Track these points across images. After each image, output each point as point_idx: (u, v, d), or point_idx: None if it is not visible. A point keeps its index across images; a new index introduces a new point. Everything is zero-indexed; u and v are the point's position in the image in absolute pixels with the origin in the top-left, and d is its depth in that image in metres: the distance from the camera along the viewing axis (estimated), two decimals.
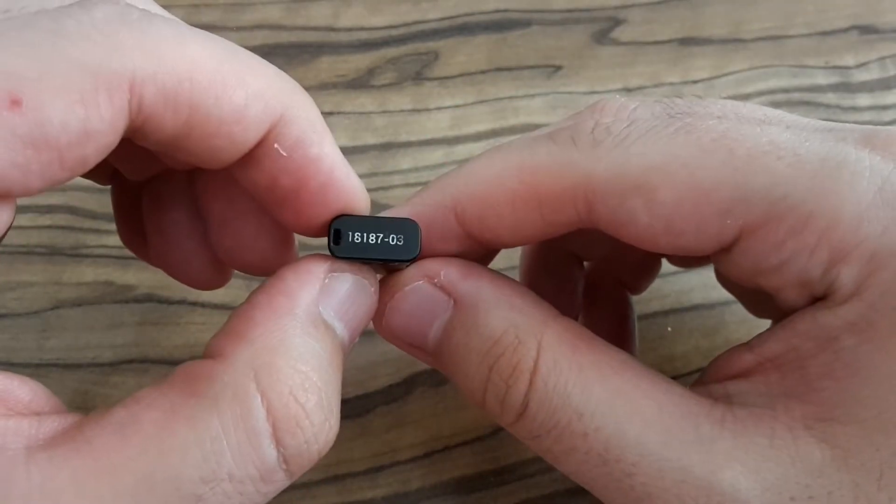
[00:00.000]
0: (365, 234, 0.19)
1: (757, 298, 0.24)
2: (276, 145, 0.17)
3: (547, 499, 0.26)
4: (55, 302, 0.28)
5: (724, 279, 0.25)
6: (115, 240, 0.29)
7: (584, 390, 0.18)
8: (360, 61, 0.34)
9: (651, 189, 0.17)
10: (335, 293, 0.18)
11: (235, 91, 0.16)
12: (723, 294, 0.26)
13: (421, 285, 0.19)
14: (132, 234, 0.24)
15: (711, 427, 0.17)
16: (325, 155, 0.18)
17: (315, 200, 0.18)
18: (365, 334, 0.28)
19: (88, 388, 0.27)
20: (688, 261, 0.26)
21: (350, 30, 0.35)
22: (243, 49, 0.17)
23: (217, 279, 0.23)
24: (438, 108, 0.33)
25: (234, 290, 0.28)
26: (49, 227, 0.29)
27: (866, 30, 0.36)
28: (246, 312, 0.17)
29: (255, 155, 0.17)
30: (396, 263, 0.19)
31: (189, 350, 0.28)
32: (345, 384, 0.27)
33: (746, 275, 0.18)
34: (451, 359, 0.19)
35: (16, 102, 0.14)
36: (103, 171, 0.23)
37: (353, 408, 0.27)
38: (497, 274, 0.20)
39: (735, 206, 0.17)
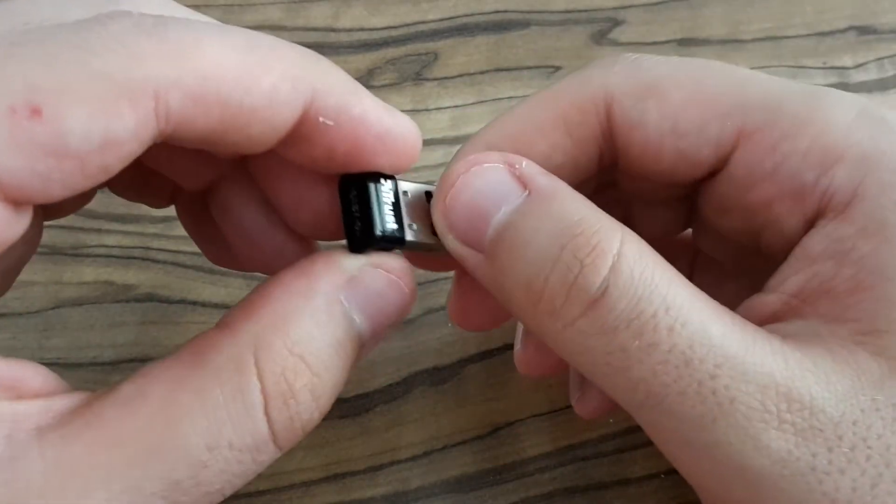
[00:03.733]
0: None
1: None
2: (321, 119, 0.17)
3: (546, 497, 0.26)
4: (56, 301, 0.28)
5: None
6: (116, 239, 0.29)
7: (671, 286, 0.17)
8: (360, 62, 0.34)
9: (663, 91, 0.19)
10: (361, 285, 0.18)
11: (262, 79, 0.16)
12: None
13: (499, 167, 0.18)
14: (217, 250, 0.24)
15: (780, 344, 0.17)
16: (368, 109, 0.18)
17: (377, 151, 0.18)
18: None
19: (89, 388, 0.26)
20: None
21: (350, 30, 0.35)
22: (258, 33, 0.17)
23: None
24: (438, 109, 0.33)
25: (233, 289, 0.29)
26: (50, 226, 0.29)
27: (864, 30, 0.36)
28: (266, 288, 0.18)
29: (303, 134, 0.18)
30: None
31: None
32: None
33: (740, 191, 0.19)
34: (511, 246, 0.18)
35: (36, 112, 0.14)
36: (161, 192, 0.23)
37: (353, 407, 0.27)
38: None
39: (734, 111, 0.19)
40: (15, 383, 0.16)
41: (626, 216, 0.24)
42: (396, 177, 0.19)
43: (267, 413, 0.16)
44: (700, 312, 0.17)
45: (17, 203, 0.15)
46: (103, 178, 0.16)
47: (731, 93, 0.19)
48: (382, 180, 0.19)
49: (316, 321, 0.17)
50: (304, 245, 0.22)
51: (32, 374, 0.16)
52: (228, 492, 0.17)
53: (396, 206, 0.19)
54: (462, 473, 0.26)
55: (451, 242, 0.19)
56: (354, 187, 0.19)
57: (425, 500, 0.26)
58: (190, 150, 0.19)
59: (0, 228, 0.15)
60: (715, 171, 0.20)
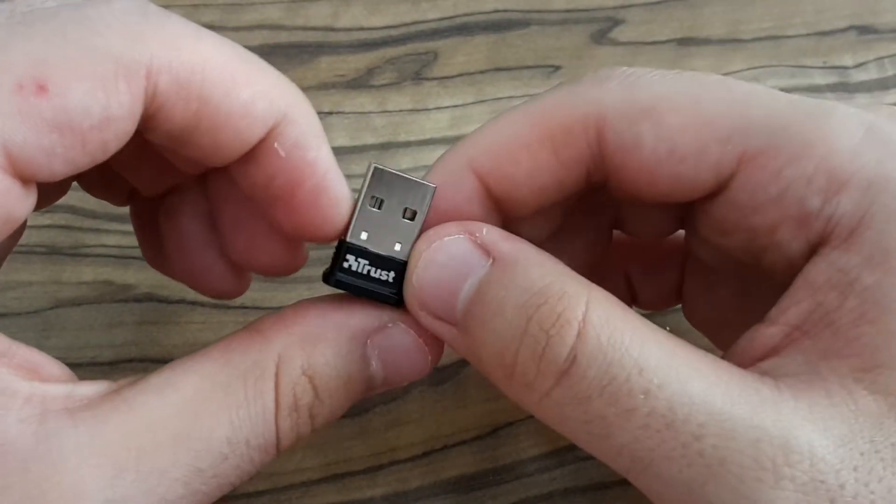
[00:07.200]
0: (364, 265, 0.19)
1: (727, 323, 0.23)
2: (276, 144, 0.18)
3: (545, 498, 0.26)
4: (55, 301, 0.28)
5: (692, 311, 0.24)
6: (115, 239, 0.29)
7: (643, 346, 0.16)
8: (360, 61, 0.34)
9: (659, 113, 0.18)
10: (388, 336, 0.19)
11: (243, 88, 0.17)
12: None
13: (460, 238, 0.18)
14: (154, 252, 0.24)
15: (771, 391, 0.16)
16: (321, 159, 0.18)
17: (308, 201, 0.18)
18: None
19: None
20: (662, 297, 0.25)
21: (349, 30, 0.35)
22: (250, 52, 0.18)
23: (237, 287, 0.24)
24: (438, 108, 0.33)
25: None
26: (49, 226, 0.29)
27: (864, 30, 0.36)
28: (304, 306, 0.19)
29: (254, 153, 0.18)
30: (383, 298, 0.19)
31: (188, 349, 0.27)
32: None
33: (742, 215, 0.18)
34: (481, 319, 0.18)
35: (42, 88, 0.15)
36: (120, 192, 0.23)
37: (353, 407, 0.27)
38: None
39: (736, 134, 0.18)
40: (36, 367, 0.17)
41: (617, 219, 0.23)
42: (349, 239, 0.19)
43: (276, 418, 0.18)
44: (678, 370, 0.16)
45: (24, 179, 0.15)
46: (101, 156, 0.16)
47: (732, 113, 0.18)
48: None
49: (335, 352, 0.18)
50: (234, 271, 0.23)
51: (49, 362, 0.17)
52: (227, 489, 0.17)
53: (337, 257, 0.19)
54: (461, 474, 0.26)
55: (424, 319, 0.19)
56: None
57: (425, 500, 0.26)
58: (153, 159, 0.20)
59: (12, 205, 0.15)
60: (714, 194, 0.19)
